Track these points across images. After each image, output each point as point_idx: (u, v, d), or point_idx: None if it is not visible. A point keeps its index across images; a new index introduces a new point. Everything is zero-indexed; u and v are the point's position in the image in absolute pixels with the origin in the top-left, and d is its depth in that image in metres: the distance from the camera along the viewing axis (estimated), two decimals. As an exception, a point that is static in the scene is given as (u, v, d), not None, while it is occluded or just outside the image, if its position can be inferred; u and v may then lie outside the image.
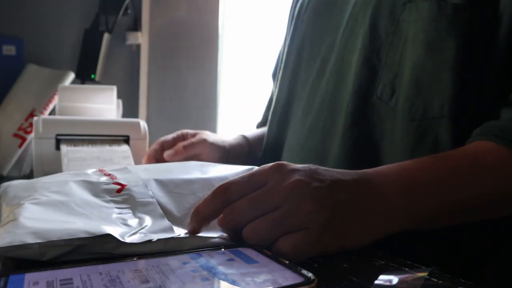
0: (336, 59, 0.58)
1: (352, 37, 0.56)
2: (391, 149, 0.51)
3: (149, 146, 0.89)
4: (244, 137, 0.78)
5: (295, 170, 0.37)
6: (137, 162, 0.76)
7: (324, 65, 0.60)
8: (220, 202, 0.37)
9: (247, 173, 0.38)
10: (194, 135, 0.73)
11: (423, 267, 0.32)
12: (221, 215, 0.36)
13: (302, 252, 0.34)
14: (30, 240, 0.30)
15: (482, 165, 0.43)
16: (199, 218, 0.36)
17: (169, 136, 0.73)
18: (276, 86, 0.72)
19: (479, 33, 0.47)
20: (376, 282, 0.28)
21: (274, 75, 0.82)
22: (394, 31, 0.50)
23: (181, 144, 0.69)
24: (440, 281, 0.29)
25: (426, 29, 0.48)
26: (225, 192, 0.37)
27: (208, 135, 0.72)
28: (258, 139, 0.78)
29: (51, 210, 0.36)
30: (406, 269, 0.32)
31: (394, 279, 0.29)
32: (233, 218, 0.36)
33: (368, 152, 0.53)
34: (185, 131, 0.74)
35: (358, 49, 0.54)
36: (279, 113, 0.69)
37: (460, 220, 0.44)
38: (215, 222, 0.40)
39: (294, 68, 0.67)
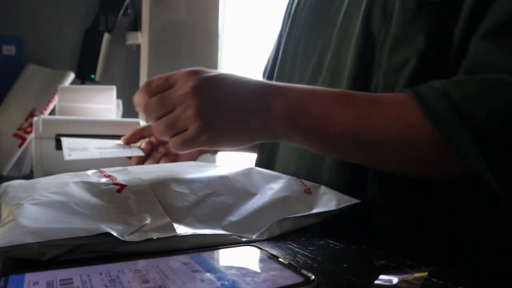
0: (332, 56, 0.58)
1: (347, 34, 0.56)
2: None
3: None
4: None
5: (196, 78, 0.45)
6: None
7: (320, 63, 0.60)
8: (143, 93, 0.47)
9: (168, 74, 0.47)
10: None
11: (423, 267, 0.32)
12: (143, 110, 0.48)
13: (184, 147, 0.46)
14: (30, 239, 0.30)
15: (379, 104, 0.44)
16: (135, 104, 0.49)
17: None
18: None
19: (449, 30, 0.47)
20: (376, 282, 0.28)
21: (265, 72, 0.82)
22: (386, 28, 0.51)
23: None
24: (440, 281, 0.29)
25: (406, 25, 0.48)
26: (147, 85, 0.47)
27: None
28: None
29: (51, 210, 0.36)
30: (406, 269, 0.32)
31: (394, 279, 0.29)
32: (146, 113, 0.47)
33: None
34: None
35: (353, 47, 0.54)
36: None
37: (343, 151, 0.46)
38: (214, 221, 0.40)
39: (291, 66, 0.68)
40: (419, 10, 0.48)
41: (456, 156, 0.40)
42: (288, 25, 0.71)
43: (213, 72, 0.47)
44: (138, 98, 0.48)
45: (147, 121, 0.50)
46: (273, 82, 0.48)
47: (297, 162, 0.60)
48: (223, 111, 0.45)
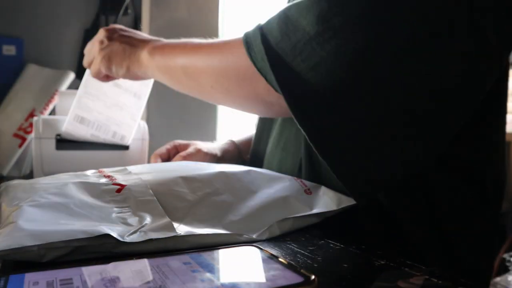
0: None
1: None
2: None
3: (149, 146, 0.89)
4: (233, 142, 0.83)
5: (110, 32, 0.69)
6: (137, 162, 0.76)
7: None
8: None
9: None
10: (186, 146, 0.78)
11: (423, 267, 0.32)
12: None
13: (95, 69, 0.69)
14: (29, 242, 0.30)
15: (213, 44, 0.56)
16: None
17: (163, 148, 0.77)
18: None
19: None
20: (376, 282, 0.28)
21: None
22: None
23: (179, 155, 0.73)
24: (440, 281, 0.29)
25: None
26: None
27: (201, 145, 0.78)
28: (246, 143, 0.82)
29: (50, 212, 0.36)
30: (406, 269, 0.32)
31: (394, 279, 0.29)
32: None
33: None
34: (177, 142, 0.79)
35: None
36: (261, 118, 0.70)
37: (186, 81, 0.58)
38: (214, 221, 0.40)
39: None
40: None
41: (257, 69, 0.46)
42: None
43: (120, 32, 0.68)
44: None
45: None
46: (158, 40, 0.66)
47: (281, 154, 0.60)
48: (115, 47, 0.67)
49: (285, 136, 0.60)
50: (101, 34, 0.69)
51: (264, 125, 0.69)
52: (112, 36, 0.67)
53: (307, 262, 0.34)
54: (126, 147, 0.81)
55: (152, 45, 0.64)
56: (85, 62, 0.72)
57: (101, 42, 0.67)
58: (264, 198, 0.44)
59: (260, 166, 0.67)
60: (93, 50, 0.69)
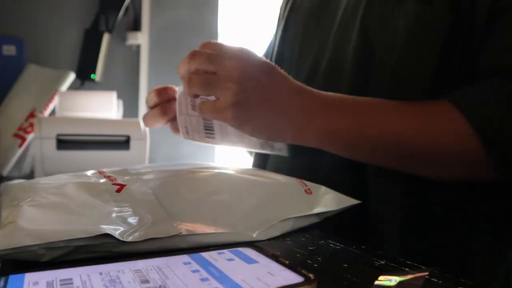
0: (328, 61, 0.57)
1: (344, 39, 0.56)
2: None
3: (150, 146, 0.89)
4: None
5: (252, 56, 0.46)
6: (137, 162, 0.76)
7: (315, 68, 0.60)
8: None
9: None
10: None
11: (423, 267, 0.32)
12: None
13: (210, 112, 0.46)
14: (29, 242, 0.30)
15: (416, 110, 0.45)
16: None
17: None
18: None
19: (458, 37, 0.47)
20: (376, 282, 0.28)
21: None
22: (383, 33, 0.51)
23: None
24: (440, 281, 0.29)
25: (410, 32, 0.48)
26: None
27: None
28: None
29: (50, 212, 0.36)
30: (406, 269, 0.32)
31: (394, 279, 0.29)
32: (190, 60, 0.46)
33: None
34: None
35: (350, 51, 0.54)
36: None
37: (373, 154, 0.47)
38: (214, 220, 0.40)
39: (286, 69, 0.67)
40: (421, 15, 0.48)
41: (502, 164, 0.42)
42: (282, 28, 0.70)
43: (264, 58, 0.47)
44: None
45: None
46: (318, 92, 0.48)
47: (291, 162, 0.59)
48: (263, 97, 0.45)
49: (300, 147, 0.59)
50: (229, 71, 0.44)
51: None
52: (245, 84, 0.44)
53: (307, 262, 0.34)
54: (126, 147, 0.81)
55: (320, 127, 0.46)
56: (182, 71, 0.47)
57: (237, 80, 0.44)
58: (264, 198, 0.44)
59: (264, 159, 0.67)
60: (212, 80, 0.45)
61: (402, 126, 0.45)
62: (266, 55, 0.80)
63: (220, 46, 0.46)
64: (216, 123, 0.54)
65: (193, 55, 0.46)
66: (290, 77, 0.47)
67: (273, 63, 0.47)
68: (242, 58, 0.45)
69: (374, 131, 0.45)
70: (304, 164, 0.57)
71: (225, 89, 0.44)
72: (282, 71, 0.47)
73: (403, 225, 0.49)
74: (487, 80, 0.45)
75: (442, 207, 0.48)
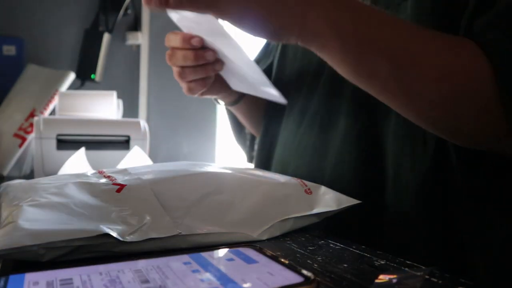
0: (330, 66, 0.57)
1: None
2: (394, 142, 0.51)
3: (150, 146, 0.89)
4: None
5: None
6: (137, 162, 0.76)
7: (318, 72, 0.60)
8: None
9: None
10: None
11: (423, 267, 0.32)
12: None
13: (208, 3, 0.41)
14: (29, 242, 0.30)
15: (440, 36, 0.41)
16: None
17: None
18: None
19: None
20: (376, 282, 0.28)
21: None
22: None
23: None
24: (440, 281, 0.29)
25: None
26: None
27: None
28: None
29: (50, 211, 0.36)
30: (406, 269, 0.32)
31: (394, 279, 0.29)
32: None
33: (371, 145, 0.52)
34: None
35: None
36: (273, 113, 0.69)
37: (376, 65, 0.41)
38: (214, 220, 0.40)
39: (289, 71, 0.67)
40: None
41: None
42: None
43: None
44: None
45: None
46: None
47: (297, 161, 0.59)
48: None
49: (304, 145, 0.59)
50: None
51: (270, 119, 0.68)
52: None
53: (307, 262, 0.34)
54: (126, 147, 0.81)
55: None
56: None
57: None
58: (264, 197, 0.44)
59: (267, 157, 0.67)
60: None
61: (421, 45, 0.40)
62: (266, 46, 0.79)
63: None
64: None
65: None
66: None
67: None
68: None
69: (386, 35, 0.40)
70: (309, 162, 0.57)
71: None
72: None
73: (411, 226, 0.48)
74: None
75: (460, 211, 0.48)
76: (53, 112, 1.10)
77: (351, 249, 0.38)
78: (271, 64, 0.75)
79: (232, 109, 0.74)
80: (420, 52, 0.40)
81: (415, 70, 0.40)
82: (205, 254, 0.31)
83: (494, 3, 0.42)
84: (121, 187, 0.41)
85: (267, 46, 0.79)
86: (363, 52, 0.41)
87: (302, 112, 0.62)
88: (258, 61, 0.78)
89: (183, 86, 0.59)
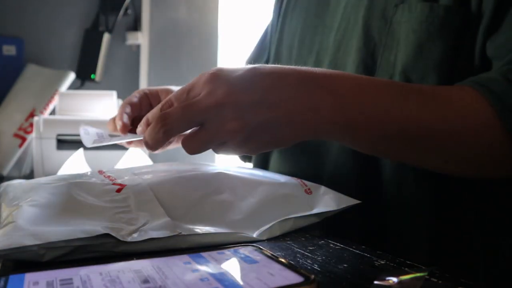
0: (330, 61, 0.57)
1: (346, 39, 0.55)
2: None
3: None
4: None
5: (225, 81, 0.39)
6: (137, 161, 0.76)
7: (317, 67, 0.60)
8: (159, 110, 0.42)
9: (187, 84, 0.41)
10: (156, 92, 0.62)
11: (423, 267, 0.32)
12: (154, 123, 0.40)
13: (227, 153, 0.42)
14: (29, 242, 0.30)
15: (441, 96, 0.42)
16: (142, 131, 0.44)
17: (132, 97, 0.59)
18: None
19: (466, 34, 0.47)
20: (376, 282, 0.28)
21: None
22: (387, 32, 0.50)
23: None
24: (440, 281, 0.29)
25: (417, 30, 0.48)
26: (167, 102, 0.41)
27: (173, 88, 0.63)
28: None
29: (50, 211, 0.36)
30: (406, 269, 0.32)
31: (394, 279, 0.29)
32: (167, 126, 0.40)
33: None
34: (146, 89, 0.62)
35: (353, 51, 0.53)
36: None
37: (393, 148, 0.43)
38: (214, 220, 0.40)
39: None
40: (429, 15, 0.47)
41: None
42: (279, 24, 0.70)
43: (239, 69, 0.40)
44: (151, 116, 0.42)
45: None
46: (312, 69, 0.42)
47: (293, 168, 0.59)
48: (265, 116, 0.39)
49: (303, 143, 0.59)
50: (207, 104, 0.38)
51: None
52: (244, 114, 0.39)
53: (307, 262, 0.34)
54: (126, 147, 0.81)
55: (328, 105, 0.40)
56: (174, 128, 0.41)
57: (234, 120, 0.38)
58: (264, 197, 0.44)
59: (265, 158, 0.67)
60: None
61: (428, 114, 0.41)
62: (261, 43, 0.79)
63: (180, 93, 0.41)
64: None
65: (166, 118, 0.39)
66: (278, 70, 0.41)
67: (253, 68, 0.40)
68: (221, 92, 0.38)
69: (397, 117, 0.40)
70: (304, 170, 0.57)
71: (227, 135, 0.39)
72: (267, 67, 0.41)
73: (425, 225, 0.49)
74: (503, 66, 0.43)
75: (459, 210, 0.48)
76: (53, 112, 1.10)
77: (351, 249, 0.38)
78: (266, 62, 0.74)
79: None
80: (431, 123, 0.41)
81: (427, 141, 0.42)
82: (205, 254, 0.31)
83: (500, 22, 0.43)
84: (121, 187, 0.41)
85: (261, 43, 0.78)
86: (376, 141, 0.43)
87: None
88: (254, 60, 0.77)
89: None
